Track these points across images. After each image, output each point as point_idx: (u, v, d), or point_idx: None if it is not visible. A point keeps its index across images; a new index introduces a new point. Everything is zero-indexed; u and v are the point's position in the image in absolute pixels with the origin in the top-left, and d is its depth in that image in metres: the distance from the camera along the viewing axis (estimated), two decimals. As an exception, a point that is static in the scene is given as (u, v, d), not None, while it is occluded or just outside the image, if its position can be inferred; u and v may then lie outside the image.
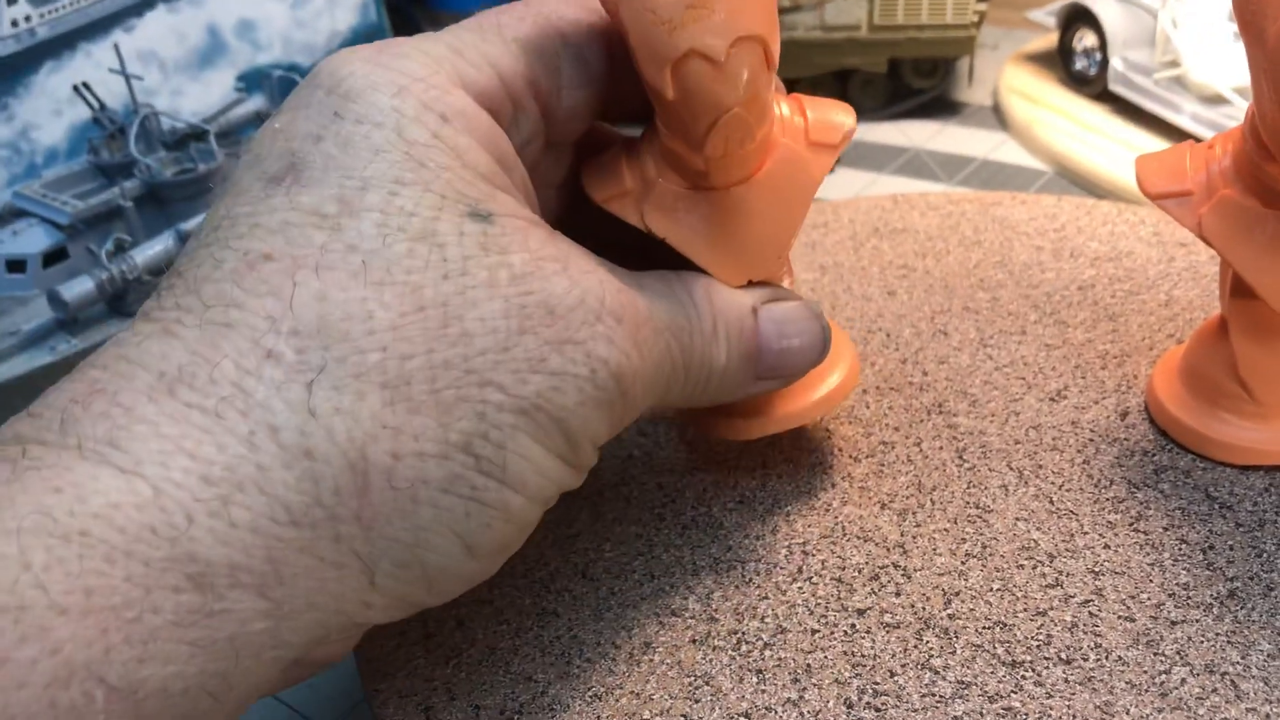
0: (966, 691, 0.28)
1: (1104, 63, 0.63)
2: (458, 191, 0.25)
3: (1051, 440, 0.36)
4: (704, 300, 0.30)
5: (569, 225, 0.33)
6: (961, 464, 0.36)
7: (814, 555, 0.33)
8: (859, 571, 0.32)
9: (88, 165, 0.47)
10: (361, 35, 0.62)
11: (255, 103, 0.54)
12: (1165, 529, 0.32)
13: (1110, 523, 0.33)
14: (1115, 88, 0.63)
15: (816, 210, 0.50)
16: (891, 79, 0.67)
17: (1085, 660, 0.29)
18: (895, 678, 0.29)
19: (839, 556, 0.33)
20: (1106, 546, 0.32)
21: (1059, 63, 0.67)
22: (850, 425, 0.38)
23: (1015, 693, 0.28)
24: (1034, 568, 0.32)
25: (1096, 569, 0.31)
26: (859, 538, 0.33)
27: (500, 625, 0.32)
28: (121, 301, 0.43)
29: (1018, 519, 0.33)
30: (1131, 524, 0.33)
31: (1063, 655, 0.29)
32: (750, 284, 0.31)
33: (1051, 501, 0.34)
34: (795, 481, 0.35)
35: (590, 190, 0.31)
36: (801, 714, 0.28)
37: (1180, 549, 0.32)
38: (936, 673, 0.29)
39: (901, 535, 0.33)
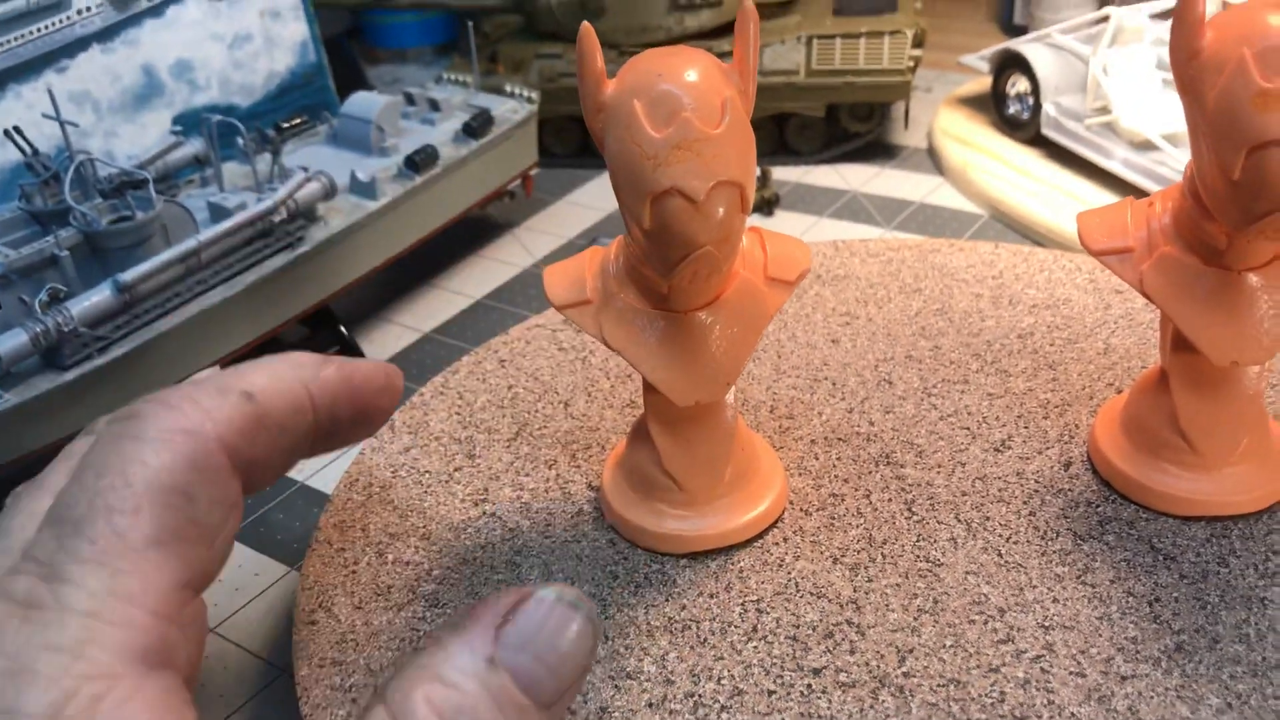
0: (923, 751, 0.29)
1: (1036, 108, 0.65)
2: None
3: (997, 491, 0.37)
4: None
5: None
6: (911, 516, 0.36)
7: (768, 613, 0.33)
8: (813, 629, 0.32)
9: (20, 212, 0.46)
10: (299, 76, 0.61)
11: (192, 146, 0.53)
12: (1112, 581, 0.33)
13: (1058, 575, 0.33)
14: (1047, 132, 0.64)
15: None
16: (829, 123, 0.68)
17: (1039, 718, 0.29)
18: (852, 738, 0.29)
19: (793, 614, 0.33)
20: (1055, 600, 0.32)
21: (992, 107, 0.69)
22: (800, 478, 0.38)
23: (971, 751, 0.28)
24: (985, 623, 0.32)
25: (1046, 623, 0.32)
26: (812, 594, 0.33)
27: (454, 690, 0.31)
28: (56, 355, 0.42)
29: (968, 572, 0.34)
30: (1079, 576, 0.33)
31: (1016, 713, 0.29)
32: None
33: (1000, 554, 0.34)
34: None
35: (552, 297, 0.32)
36: (760, 777, 0.28)
37: (1127, 601, 0.32)
38: (893, 732, 0.29)
39: (854, 591, 0.33)
